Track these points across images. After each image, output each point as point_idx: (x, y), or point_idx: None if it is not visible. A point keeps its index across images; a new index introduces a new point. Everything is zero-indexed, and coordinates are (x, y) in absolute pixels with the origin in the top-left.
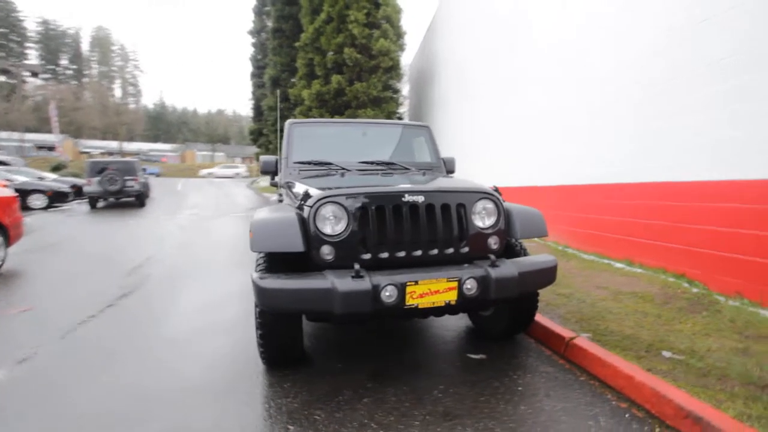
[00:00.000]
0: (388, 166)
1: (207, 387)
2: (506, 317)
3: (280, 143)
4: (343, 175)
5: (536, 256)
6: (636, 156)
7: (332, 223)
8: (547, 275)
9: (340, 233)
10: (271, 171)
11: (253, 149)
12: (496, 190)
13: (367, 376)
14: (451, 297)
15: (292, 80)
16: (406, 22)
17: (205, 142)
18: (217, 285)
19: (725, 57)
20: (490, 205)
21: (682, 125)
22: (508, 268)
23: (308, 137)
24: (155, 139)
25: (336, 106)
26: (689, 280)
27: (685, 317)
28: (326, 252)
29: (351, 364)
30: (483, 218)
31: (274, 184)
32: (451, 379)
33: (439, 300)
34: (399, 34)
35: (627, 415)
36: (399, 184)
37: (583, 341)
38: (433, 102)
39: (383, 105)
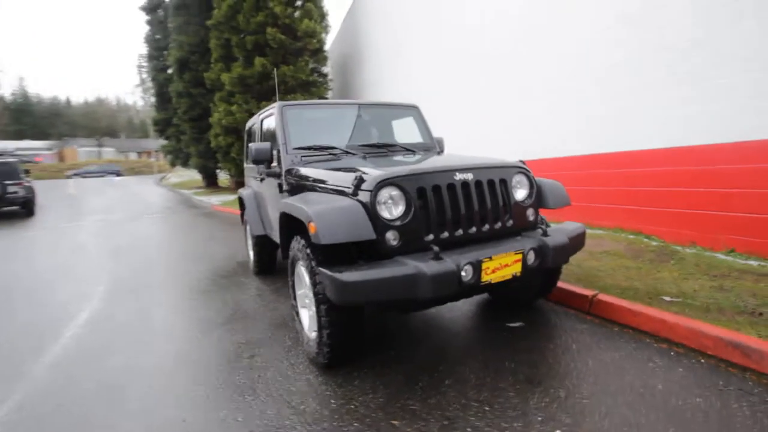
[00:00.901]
0: (388, 149)
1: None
2: (537, 283)
3: (248, 137)
4: (360, 157)
5: (568, 222)
6: (580, 133)
7: (392, 207)
8: (582, 240)
9: (401, 216)
10: (266, 159)
11: (152, 142)
12: (524, 163)
13: (429, 359)
14: (517, 269)
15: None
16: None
17: (87, 137)
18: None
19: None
20: (524, 179)
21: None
22: (560, 236)
23: (301, 120)
24: (19, 135)
25: (262, 91)
26: (647, 236)
27: (659, 267)
28: (391, 237)
29: (402, 351)
30: (521, 191)
31: (271, 174)
32: (511, 348)
33: (508, 273)
34: (322, 15)
35: (672, 353)
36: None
37: (605, 296)
38: (363, 86)
39: (313, 89)
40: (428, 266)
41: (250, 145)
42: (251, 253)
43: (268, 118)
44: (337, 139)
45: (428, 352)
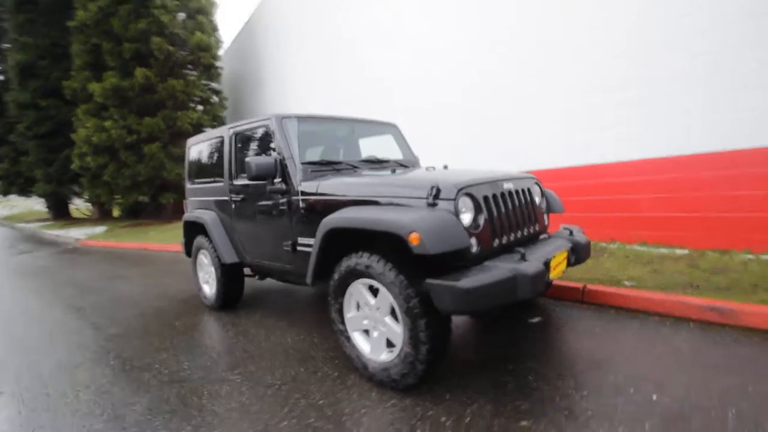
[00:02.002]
0: (381, 164)
1: None
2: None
3: (195, 156)
4: (371, 171)
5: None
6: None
7: (467, 214)
8: None
9: (474, 223)
10: (270, 176)
11: None
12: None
13: (488, 362)
14: (564, 266)
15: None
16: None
17: None
18: None
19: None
20: (538, 188)
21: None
22: (582, 235)
23: (297, 134)
24: None
25: (144, 105)
26: None
27: (599, 260)
28: (474, 244)
29: (449, 358)
30: (538, 199)
31: (276, 191)
32: (552, 342)
33: (560, 271)
34: (214, 28)
35: (668, 323)
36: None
37: (593, 286)
38: (261, 106)
39: (207, 107)
40: (526, 267)
41: (248, 159)
42: (206, 287)
43: (249, 131)
44: (327, 154)
45: (480, 356)
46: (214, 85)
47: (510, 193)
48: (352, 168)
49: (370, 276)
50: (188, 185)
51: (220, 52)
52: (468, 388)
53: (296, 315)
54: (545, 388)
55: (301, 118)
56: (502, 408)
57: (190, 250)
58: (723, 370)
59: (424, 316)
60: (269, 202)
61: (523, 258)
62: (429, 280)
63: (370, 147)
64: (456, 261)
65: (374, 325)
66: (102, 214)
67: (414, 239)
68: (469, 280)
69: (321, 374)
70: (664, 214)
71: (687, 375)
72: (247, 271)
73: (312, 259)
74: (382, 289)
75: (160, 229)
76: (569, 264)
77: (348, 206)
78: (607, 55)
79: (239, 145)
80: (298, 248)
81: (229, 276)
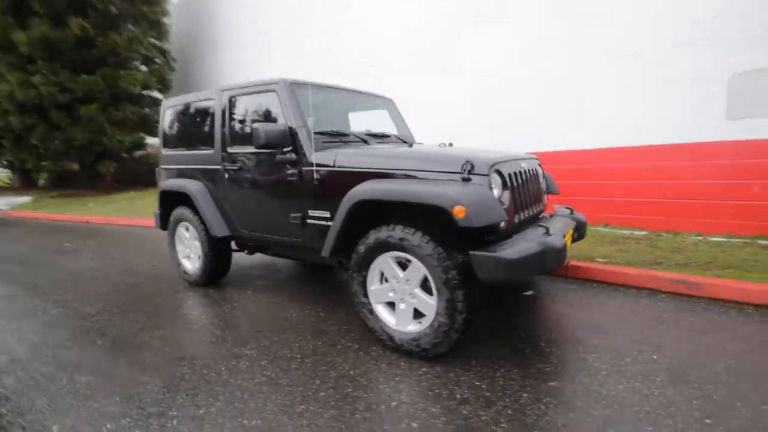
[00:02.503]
0: (384, 139)
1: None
2: None
3: (175, 120)
4: (381, 144)
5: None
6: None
7: (497, 190)
8: None
9: (502, 199)
10: (281, 144)
11: None
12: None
13: (494, 330)
14: (570, 242)
15: None
16: None
17: None
18: None
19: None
20: (540, 168)
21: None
22: (581, 215)
23: (305, 102)
24: None
25: (80, 60)
26: None
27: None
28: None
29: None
30: (541, 179)
31: (286, 161)
32: (550, 312)
33: (569, 246)
34: None
35: (644, 294)
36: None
37: (575, 262)
38: (216, 73)
39: (153, 67)
40: (553, 241)
41: (256, 126)
42: (186, 262)
43: (247, 95)
44: (322, 124)
45: (490, 326)
46: (160, 43)
47: (524, 172)
48: (362, 141)
49: (402, 249)
50: (163, 152)
51: (169, 8)
52: (490, 354)
53: (291, 290)
54: (558, 352)
55: (312, 86)
56: (527, 371)
57: (165, 222)
58: (702, 332)
59: (462, 287)
60: (275, 173)
61: (547, 232)
62: (473, 252)
63: (360, 121)
64: (488, 235)
65: (402, 297)
66: (24, 183)
67: (459, 212)
68: (512, 252)
69: (340, 347)
70: (625, 199)
71: (674, 337)
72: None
73: (333, 232)
74: (415, 261)
75: (99, 200)
76: (573, 240)
77: (371, 179)
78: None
79: (235, 110)
80: (309, 221)
81: (218, 250)
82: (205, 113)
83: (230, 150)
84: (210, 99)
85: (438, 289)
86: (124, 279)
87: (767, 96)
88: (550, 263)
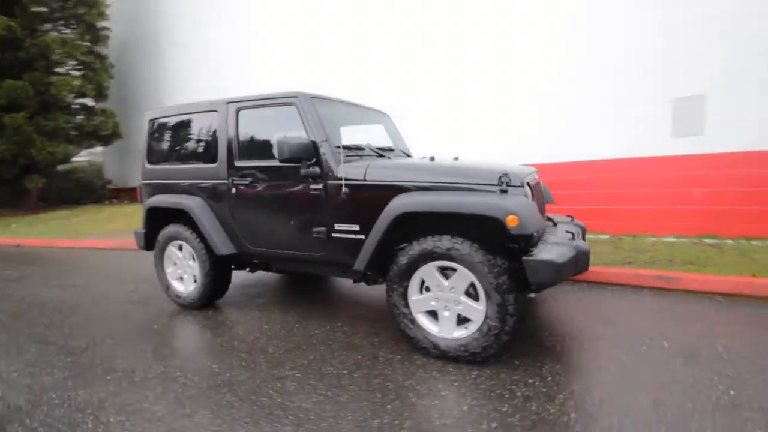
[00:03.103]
0: (389, 152)
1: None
2: None
3: (163, 133)
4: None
5: None
6: None
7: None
8: None
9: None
10: (305, 158)
11: None
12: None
13: (524, 332)
14: None
15: None
16: None
17: None
18: None
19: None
20: (540, 180)
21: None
22: (580, 222)
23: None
24: None
25: (5, 64)
26: None
27: None
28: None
29: None
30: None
31: (310, 175)
32: (558, 312)
33: None
34: None
35: (629, 291)
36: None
37: None
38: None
39: (90, 74)
40: (583, 245)
41: (280, 139)
42: (177, 283)
43: (258, 107)
44: (336, 139)
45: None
46: (98, 49)
47: (535, 183)
48: (378, 154)
49: (449, 258)
50: (147, 166)
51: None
52: (528, 353)
53: (298, 306)
54: (586, 346)
55: (327, 100)
56: (568, 365)
57: (151, 242)
58: (690, 320)
59: (513, 291)
60: (296, 187)
61: (574, 238)
62: (526, 258)
63: (353, 135)
64: (527, 242)
65: (445, 305)
66: None
67: (512, 221)
68: (558, 256)
69: (382, 359)
70: (588, 207)
71: (671, 326)
72: None
73: (371, 245)
74: (461, 269)
75: (26, 221)
76: None
77: (406, 192)
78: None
79: (243, 123)
80: (334, 235)
81: (219, 269)
82: (204, 126)
83: (238, 164)
84: (212, 111)
85: (489, 295)
86: (101, 308)
87: (702, 118)
88: (581, 266)
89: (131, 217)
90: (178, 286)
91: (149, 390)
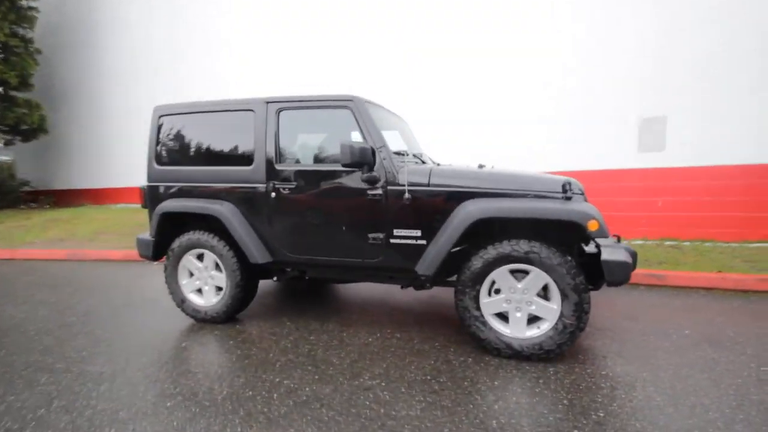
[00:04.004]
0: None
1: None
2: None
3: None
4: (437, 164)
5: None
6: None
7: None
8: None
9: None
10: (366, 163)
11: None
12: None
13: None
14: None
15: None
16: None
17: None
18: None
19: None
20: None
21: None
22: None
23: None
24: None
25: None
26: None
27: None
28: None
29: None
30: None
31: (371, 180)
32: None
33: None
34: None
35: (628, 288)
36: None
37: None
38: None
39: (14, 59)
40: (630, 248)
41: (345, 143)
42: (194, 296)
43: (303, 108)
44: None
45: None
46: (24, 32)
47: None
48: (419, 160)
49: (527, 261)
50: (157, 167)
51: None
52: (584, 348)
53: (336, 315)
54: (627, 338)
55: (373, 105)
56: (626, 356)
57: (161, 251)
58: (691, 311)
59: (587, 290)
60: (351, 192)
61: (619, 241)
62: (605, 259)
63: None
64: (586, 244)
65: (517, 306)
66: None
67: (593, 225)
68: (628, 257)
69: (456, 363)
70: None
71: (682, 317)
72: None
73: (443, 250)
74: (536, 271)
75: None
76: None
77: (474, 198)
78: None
79: (285, 124)
80: (393, 240)
81: (250, 280)
82: (235, 125)
83: (280, 167)
84: (246, 110)
85: (566, 294)
86: (99, 328)
87: (663, 136)
88: (634, 265)
89: (71, 224)
90: (197, 299)
91: (230, 413)
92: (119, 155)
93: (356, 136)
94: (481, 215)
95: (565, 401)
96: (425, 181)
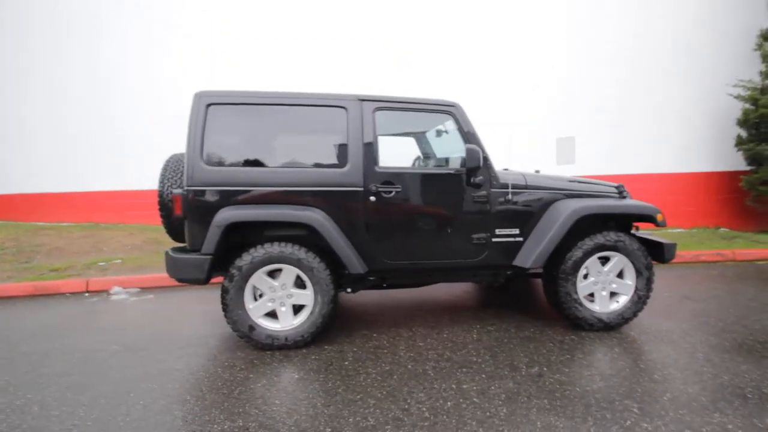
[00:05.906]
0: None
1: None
2: None
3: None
4: None
5: None
6: None
7: None
8: None
9: None
10: (479, 167)
11: None
12: None
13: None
14: None
15: None
16: None
17: None
18: None
19: None
20: None
21: None
22: None
23: None
24: None
25: None
26: None
27: None
28: None
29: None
30: None
31: (479, 183)
32: None
33: None
34: None
35: None
36: None
37: None
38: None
39: None
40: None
41: (472, 146)
42: (264, 321)
43: (409, 112)
44: None
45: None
46: None
47: None
48: None
49: (614, 249)
50: (206, 167)
51: None
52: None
53: (406, 326)
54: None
55: None
56: (671, 330)
57: (212, 271)
58: (682, 282)
59: (652, 267)
60: (458, 195)
61: (637, 230)
62: (665, 242)
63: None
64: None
65: (603, 286)
66: None
67: (661, 217)
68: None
69: (564, 339)
70: None
71: (686, 288)
72: None
73: (551, 244)
74: (619, 257)
75: None
76: None
77: (560, 199)
78: None
79: (382, 125)
80: (494, 240)
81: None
82: (321, 122)
83: (381, 169)
84: (337, 106)
85: (640, 272)
86: (145, 365)
87: (574, 152)
88: None
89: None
90: (270, 324)
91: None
92: None
93: (431, 135)
94: (585, 212)
95: (670, 359)
96: (523, 183)
